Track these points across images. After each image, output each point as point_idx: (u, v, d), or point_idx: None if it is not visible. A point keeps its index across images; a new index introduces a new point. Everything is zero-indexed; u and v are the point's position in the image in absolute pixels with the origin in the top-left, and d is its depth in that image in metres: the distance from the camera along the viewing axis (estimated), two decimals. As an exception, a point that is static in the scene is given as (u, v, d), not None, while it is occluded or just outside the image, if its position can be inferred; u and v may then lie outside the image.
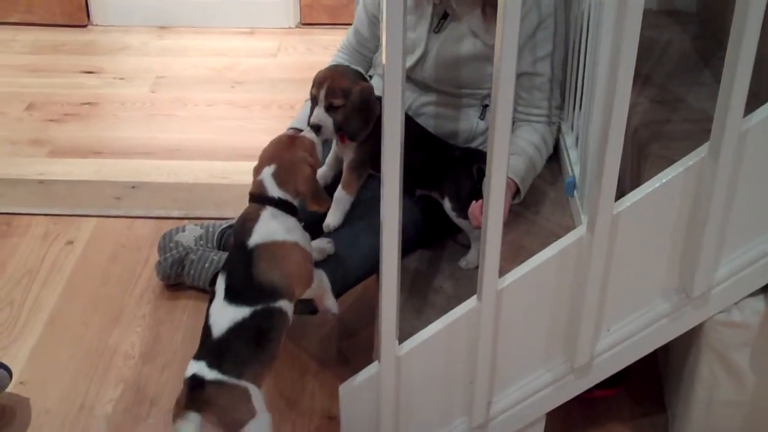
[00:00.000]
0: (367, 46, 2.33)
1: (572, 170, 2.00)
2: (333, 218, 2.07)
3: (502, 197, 1.60)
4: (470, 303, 1.73)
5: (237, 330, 1.71)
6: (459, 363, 1.79)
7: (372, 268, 2.14)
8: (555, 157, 2.17)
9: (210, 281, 2.46)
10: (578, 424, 2.07)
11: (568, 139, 2.10)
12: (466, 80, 2.14)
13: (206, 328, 1.73)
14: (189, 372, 1.68)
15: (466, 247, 2.08)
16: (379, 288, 1.71)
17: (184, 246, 2.52)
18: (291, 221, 1.80)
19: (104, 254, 2.68)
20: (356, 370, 1.88)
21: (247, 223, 1.79)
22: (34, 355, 2.31)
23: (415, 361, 1.79)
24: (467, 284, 1.97)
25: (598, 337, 1.79)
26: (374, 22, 2.27)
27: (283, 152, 1.82)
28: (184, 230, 2.57)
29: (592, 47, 1.84)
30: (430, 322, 1.80)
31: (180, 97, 3.58)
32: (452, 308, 1.78)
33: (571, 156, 2.03)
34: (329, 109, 1.96)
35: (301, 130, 2.19)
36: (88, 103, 3.54)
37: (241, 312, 1.71)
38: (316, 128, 1.95)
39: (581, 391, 1.86)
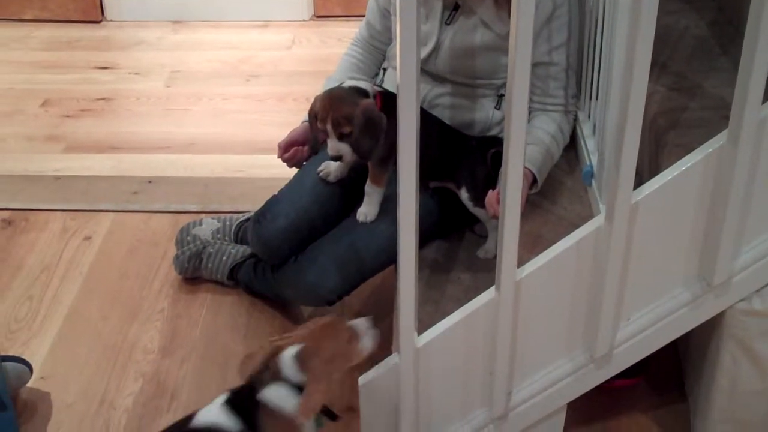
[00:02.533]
0: (379, 39, 2.33)
1: (590, 159, 1.99)
2: (369, 209, 2.11)
3: (519, 186, 1.59)
4: (489, 294, 1.73)
5: None
6: (478, 354, 1.78)
7: (389, 259, 2.15)
8: (572, 146, 2.16)
9: (227, 275, 2.47)
10: (599, 414, 2.06)
11: (585, 128, 2.09)
12: (479, 71, 2.13)
13: (187, 417, 1.73)
14: None
15: (484, 238, 2.08)
16: (398, 280, 1.71)
17: (202, 239, 2.53)
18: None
19: (122, 249, 2.69)
20: (375, 362, 1.87)
21: (263, 379, 1.74)
22: (53, 350, 2.32)
23: (434, 352, 1.78)
24: (485, 275, 1.97)
25: (618, 327, 1.78)
26: (386, 15, 2.27)
27: (318, 338, 1.75)
28: (201, 224, 2.57)
29: (608, 35, 1.83)
30: (449, 314, 1.79)
31: (195, 92, 3.59)
32: (471, 299, 1.78)
33: (589, 145, 2.02)
34: (341, 137, 1.98)
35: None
36: (104, 99, 3.55)
37: (230, 422, 1.69)
38: (337, 158, 1.99)
39: (602, 381, 1.85)
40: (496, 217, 1.84)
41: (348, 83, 2.08)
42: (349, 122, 1.96)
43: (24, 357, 2.19)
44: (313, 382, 1.68)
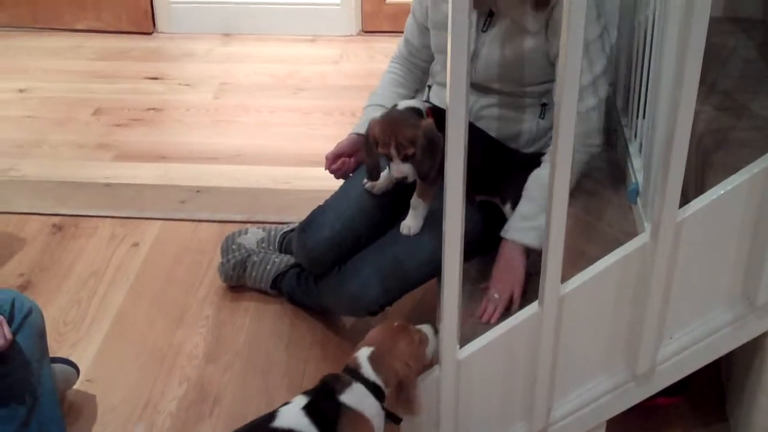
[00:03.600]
0: (417, 56, 2.35)
1: (635, 177, 1.99)
2: (413, 223, 2.14)
3: (564, 203, 1.60)
4: (531, 308, 1.74)
5: None
6: (519, 368, 1.79)
7: (431, 272, 2.16)
8: (618, 163, 2.16)
9: (271, 284, 2.50)
10: (639, 431, 2.06)
11: (632, 147, 2.09)
12: (519, 77, 2.14)
13: (269, 416, 1.75)
14: None
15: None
16: (441, 292, 1.72)
17: (247, 248, 2.56)
18: (377, 406, 1.77)
19: (169, 256, 2.73)
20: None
21: (342, 380, 1.77)
22: (100, 353, 2.37)
23: (475, 365, 1.80)
24: (528, 289, 1.98)
25: (660, 345, 1.78)
26: (424, 31, 2.28)
27: (389, 341, 1.80)
28: (246, 233, 2.61)
29: (656, 54, 1.83)
30: (491, 327, 1.81)
31: (243, 104, 3.63)
32: (513, 313, 1.79)
33: (635, 163, 2.03)
34: (405, 159, 2.02)
35: (361, 134, 2.23)
36: (154, 109, 3.61)
37: (310, 429, 1.71)
38: (403, 179, 2.02)
39: (642, 398, 1.85)
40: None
41: (402, 104, 2.10)
42: (413, 144, 1.99)
43: (71, 359, 2.23)
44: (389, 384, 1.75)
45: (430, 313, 2.21)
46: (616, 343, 1.79)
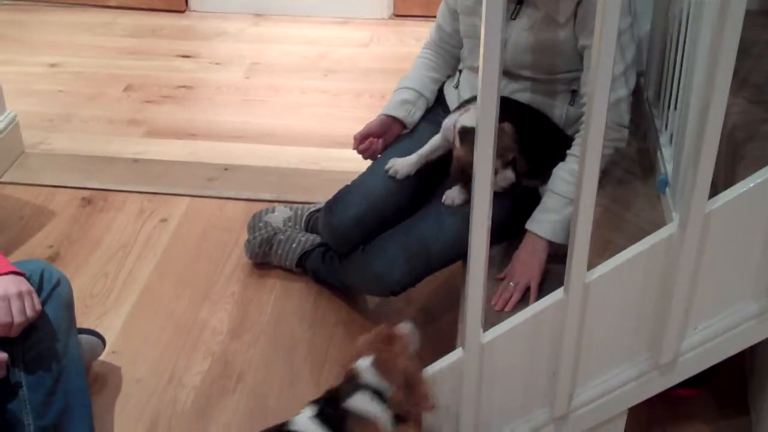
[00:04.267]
0: (449, 42, 2.35)
1: (665, 168, 1.98)
2: (458, 195, 2.18)
3: (593, 188, 1.60)
4: (557, 295, 1.74)
5: None
6: (543, 354, 1.80)
7: (456, 254, 2.17)
8: (647, 154, 2.16)
9: (296, 262, 2.51)
10: (660, 421, 2.06)
11: (662, 137, 2.08)
12: (547, 65, 2.14)
13: (281, 425, 1.77)
14: None
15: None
16: (466, 275, 1.73)
17: (273, 226, 2.58)
18: (383, 411, 1.77)
19: (196, 233, 2.75)
20: (438, 355, 1.90)
21: (345, 389, 1.78)
22: (126, 326, 2.39)
23: (498, 349, 1.80)
24: (553, 275, 1.99)
25: (684, 336, 1.78)
26: (455, 17, 2.28)
27: (383, 347, 1.82)
28: (273, 211, 2.63)
29: (690, 45, 1.83)
30: (515, 312, 1.81)
31: (273, 84, 3.64)
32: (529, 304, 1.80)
33: (665, 153, 2.02)
34: (506, 165, 2.06)
35: (393, 116, 2.24)
36: (184, 87, 3.63)
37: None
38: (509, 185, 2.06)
39: (665, 388, 1.85)
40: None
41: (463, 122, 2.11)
42: (510, 149, 2.01)
43: (98, 330, 2.26)
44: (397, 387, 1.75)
45: (455, 296, 2.22)
46: (641, 331, 1.79)
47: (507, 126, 2.01)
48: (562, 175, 2.05)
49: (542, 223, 2.04)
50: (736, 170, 1.91)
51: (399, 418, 1.82)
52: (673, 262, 1.68)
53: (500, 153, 1.99)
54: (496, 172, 2.02)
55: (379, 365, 1.77)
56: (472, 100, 2.12)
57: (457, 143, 2.12)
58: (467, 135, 2.06)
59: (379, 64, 3.79)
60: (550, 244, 2.03)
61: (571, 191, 2.01)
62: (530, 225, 2.05)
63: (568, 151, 2.09)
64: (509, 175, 2.06)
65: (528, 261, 2.03)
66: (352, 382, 1.77)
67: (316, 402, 1.79)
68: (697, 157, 1.59)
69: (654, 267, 1.71)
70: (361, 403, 1.75)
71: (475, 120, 2.06)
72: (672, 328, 1.74)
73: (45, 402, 1.90)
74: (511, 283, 2.01)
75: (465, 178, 2.09)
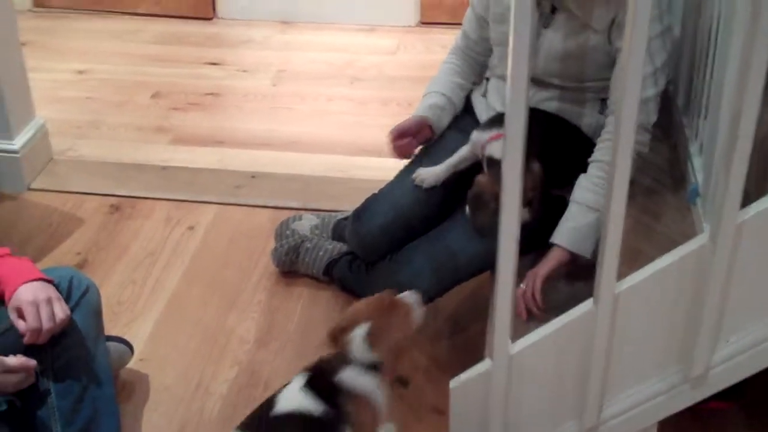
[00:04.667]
0: (475, 49, 2.34)
1: (695, 178, 1.97)
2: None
3: (623, 196, 1.59)
4: (586, 305, 1.73)
5: (298, 417, 1.75)
6: (572, 365, 1.78)
7: (484, 265, 2.16)
8: (678, 164, 2.14)
9: (323, 270, 2.51)
10: (689, 434, 2.05)
11: (692, 147, 2.07)
12: (579, 73, 2.13)
13: (267, 404, 1.78)
14: None
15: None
16: (494, 286, 1.72)
17: (300, 234, 2.58)
18: (373, 382, 1.81)
19: (224, 240, 2.75)
20: (466, 366, 1.89)
21: (335, 361, 1.81)
22: (154, 333, 2.40)
23: (527, 360, 1.79)
24: (582, 285, 1.97)
25: (715, 348, 1.75)
26: (482, 24, 2.28)
27: (381, 316, 1.83)
28: (300, 219, 2.63)
29: (720, 53, 1.81)
30: (543, 323, 1.80)
31: (300, 91, 3.65)
32: (566, 309, 1.78)
33: (695, 163, 2.01)
34: (525, 204, 2.02)
35: (425, 118, 2.23)
36: (212, 94, 3.64)
37: (313, 405, 1.75)
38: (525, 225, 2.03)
39: (695, 401, 1.83)
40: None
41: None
42: (533, 189, 2.02)
43: (125, 338, 2.26)
44: (387, 359, 1.78)
45: (483, 307, 2.20)
46: (671, 343, 1.77)
47: (536, 166, 2.00)
48: (580, 182, 2.04)
49: (558, 232, 2.02)
50: (768, 180, 1.89)
51: (402, 382, 1.82)
52: (704, 273, 1.67)
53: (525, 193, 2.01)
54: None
55: (373, 337, 1.78)
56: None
57: (485, 167, 2.12)
58: (493, 166, 2.07)
59: (406, 72, 3.79)
60: (568, 253, 2.02)
61: (589, 198, 2.01)
62: (554, 238, 2.04)
63: (589, 159, 2.08)
64: (524, 214, 2.04)
65: (538, 266, 2.03)
66: (343, 355, 1.79)
67: (307, 370, 1.80)
68: (728, 167, 1.57)
69: (685, 278, 1.69)
70: (352, 377, 1.77)
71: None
72: (703, 341, 1.72)
73: (73, 409, 1.91)
74: (522, 286, 2.00)
75: (479, 205, 2.10)
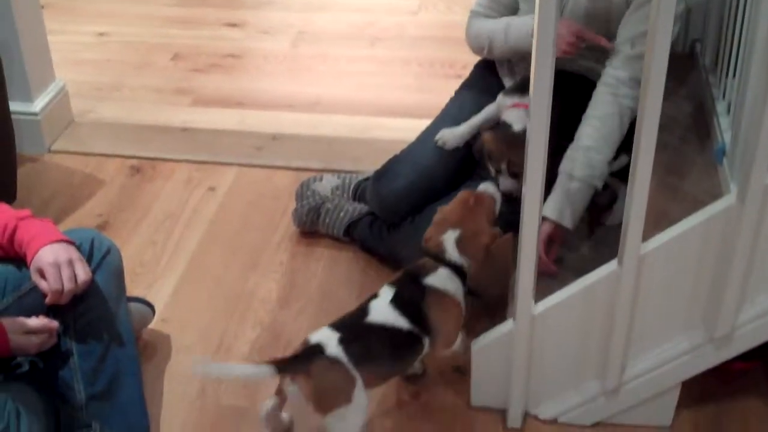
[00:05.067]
0: (502, 2, 2.31)
1: (722, 137, 1.94)
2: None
3: (650, 156, 1.57)
4: (610, 266, 1.72)
5: (386, 332, 1.78)
6: (595, 326, 1.78)
7: (504, 224, 2.14)
8: (704, 123, 2.11)
9: (344, 231, 2.50)
10: (713, 394, 2.02)
11: (719, 106, 2.04)
12: (604, 31, 2.12)
13: (361, 312, 1.80)
14: (315, 338, 1.74)
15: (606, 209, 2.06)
16: (518, 247, 1.71)
17: (321, 195, 2.56)
18: (460, 286, 1.85)
19: (244, 202, 2.75)
20: (487, 326, 1.89)
21: (425, 266, 1.84)
22: (175, 294, 2.40)
23: (550, 321, 1.78)
24: (604, 247, 1.95)
25: (740, 309, 1.74)
26: None
27: (469, 218, 1.86)
28: (321, 179, 2.61)
29: (750, 13, 1.78)
30: (566, 284, 1.79)
31: (321, 53, 3.62)
32: (588, 270, 1.77)
33: (722, 122, 1.98)
34: (513, 176, 2.07)
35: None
36: (232, 56, 3.62)
37: (399, 321, 1.78)
38: (509, 194, 2.04)
39: (719, 362, 1.82)
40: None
41: (517, 127, 2.10)
42: (521, 165, 1.99)
43: (147, 299, 2.27)
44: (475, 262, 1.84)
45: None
46: (696, 304, 1.76)
47: (487, 135, 2.07)
48: (567, 152, 2.05)
49: (546, 203, 2.01)
50: (797, 140, 1.86)
51: (471, 293, 1.84)
52: (730, 234, 1.65)
53: (513, 161, 2.04)
54: (499, 172, 2.09)
55: (464, 241, 1.83)
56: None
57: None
58: (504, 129, 2.12)
59: (427, 32, 3.75)
60: (551, 223, 2.01)
61: (567, 166, 2.03)
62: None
63: (583, 116, 2.08)
64: (507, 183, 2.07)
65: None
66: (434, 258, 1.83)
67: (395, 283, 1.84)
68: (757, 127, 1.55)
69: (711, 239, 1.68)
70: (441, 279, 1.82)
71: (518, 121, 2.07)
72: (728, 302, 1.71)
73: (95, 369, 1.92)
74: None
75: (481, 157, 2.14)
